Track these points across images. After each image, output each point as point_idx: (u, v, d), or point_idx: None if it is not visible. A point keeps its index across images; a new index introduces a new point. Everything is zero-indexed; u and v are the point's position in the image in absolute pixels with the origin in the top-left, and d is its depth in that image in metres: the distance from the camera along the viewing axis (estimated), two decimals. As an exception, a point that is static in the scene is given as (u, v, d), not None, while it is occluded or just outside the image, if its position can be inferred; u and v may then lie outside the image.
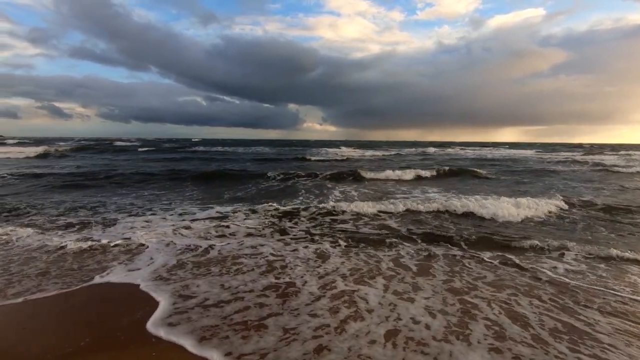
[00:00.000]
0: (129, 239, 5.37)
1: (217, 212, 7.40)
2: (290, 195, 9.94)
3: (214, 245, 5.15)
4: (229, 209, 7.70)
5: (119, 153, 30.63)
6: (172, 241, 5.29)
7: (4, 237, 5.45)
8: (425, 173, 15.87)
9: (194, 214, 7.30)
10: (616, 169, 19.64)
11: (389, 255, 4.83)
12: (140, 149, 35.48)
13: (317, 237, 5.73)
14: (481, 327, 2.95)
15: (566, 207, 8.63)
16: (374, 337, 2.76)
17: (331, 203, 8.28)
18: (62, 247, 4.97)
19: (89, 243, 5.11)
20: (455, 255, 4.89)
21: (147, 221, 6.57)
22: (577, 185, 12.95)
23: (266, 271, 4.19)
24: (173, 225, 6.27)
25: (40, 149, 29.58)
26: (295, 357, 2.50)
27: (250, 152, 36.99)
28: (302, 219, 7.08)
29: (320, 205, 8.07)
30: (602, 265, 4.63)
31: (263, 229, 6.15)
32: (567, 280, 4.09)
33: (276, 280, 3.91)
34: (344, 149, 45.99)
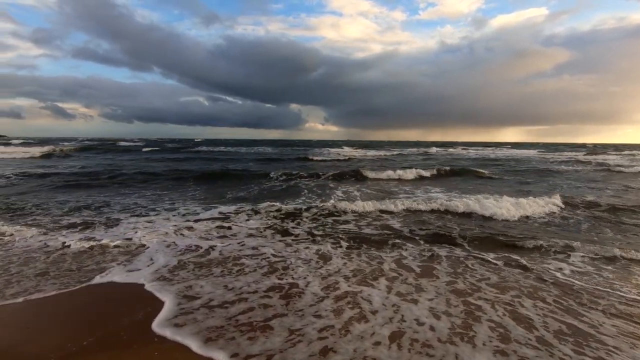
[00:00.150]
0: (131, 239, 5.39)
1: (219, 212, 7.42)
2: (292, 196, 9.96)
3: (217, 246, 5.17)
4: (231, 209, 7.72)
5: (122, 153, 30.75)
6: (173, 242, 5.31)
7: (8, 236, 5.49)
8: (428, 173, 15.85)
9: (197, 214, 7.33)
10: (620, 169, 19.55)
11: (391, 257, 4.83)
12: (144, 149, 35.61)
13: (319, 238, 5.73)
14: (485, 329, 2.95)
15: (570, 207, 8.61)
16: (379, 338, 2.76)
17: (333, 203, 8.29)
18: (65, 247, 5.01)
19: (92, 243, 5.15)
20: (458, 256, 4.88)
21: (150, 221, 6.60)
22: (580, 186, 12.91)
23: (269, 272, 4.20)
24: (176, 225, 6.29)
25: (45, 149, 29.77)
26: (301, 359, 2.51)
27: (252, 152, 37.05)
28: (304, 219, 7.09)
29: (323, 206, 8.07)
30: (607, 266, 4.62)
31: (265, 230, 6.16)
32: (571, 281, 4.08)
33: (279, 281, 3.91)
34: (346, 149, 45.99)
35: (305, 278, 4.01)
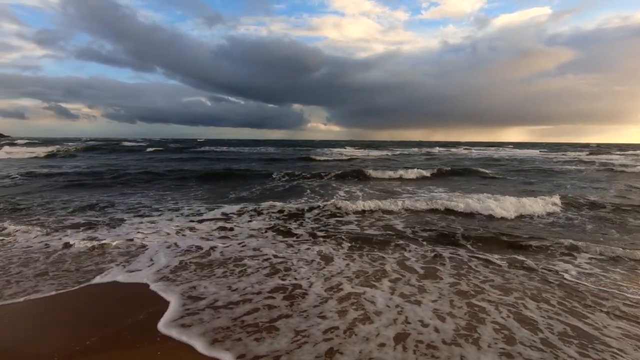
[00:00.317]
0: (134, 240, 5.42)
1: (222, 213, 7.44)
2: (295, 196, 9.98)
3: (219, 246, 5.19)
4: (234, 209, 7.74)
5: (127, 153, 30.89)
6: (175, 242, 5.32)
7: (12, 236, 5.56)
8: (431, 173, 15.83)
9: (201, 214, 7.36)
10: (623, 168, 19.45)
11: (394, 258, 4.83)
12: (148, 150, 35.76)
13: (322, 239, 5.74)
14: (490, 331, 2.95)
15: (574, 207, 8.59)
16: (384, 340, 2.78)
17: (336, 203, 8.30)
18: (68, 247, 5.05)
19: (95, 243, 5.18)
20: (462, 257, 4.88)
21: (153, 222, 6.63)
22: (585, 186, 12.85)
23: (272, 273, 4.21)
24: (179, 226, 6.32)
25: (49, 149, 29.97)
26: (308, 361, 2.53)
27: (255, 152, 37.12)
28: (306, 219, 7.11)
29: (325, 206, 8.09)
30: (612, 267, 4.61)
31: (268, 230, 6.18)
32: (576, 282, 4.07)
33: (282, 282, 3.93)
34: (348, 148, 45.98)
35: (308, 279, 4.03)
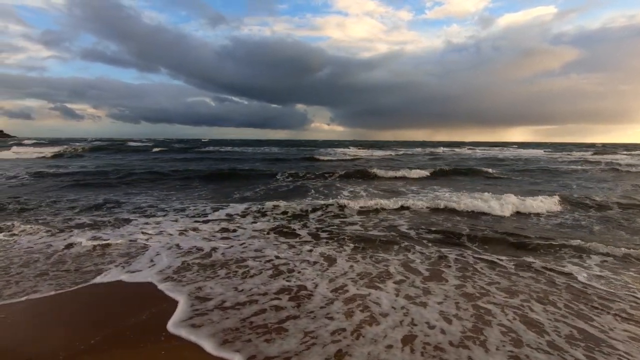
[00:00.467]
0: (137, 240, 5.49)
1: (227, 214, 7.50)
2: (299, 196, 10.02)
3: (222, 247, 5.23)
4: (238, 210, 7.81)
5: (132, 153, 31.14)
6: (178, 243, 5.36)
7: (19, 235, 5.66)
8: (435, 173, 15.81)
9: (206, 215, 7.42)
10: (629, 168, 19.29)
11: (399, 259, 4.84)
12: (153, 150, 36.01)
13: (326, 239, 5.77)
14: (497, 333, 2.97)
15: (581, 207, 8.56)
16: (391, 341, 2.80)
17: (339, 204, 8.34)
18: (74, 246, 5.13)
19: (100, 242, 5.26)
20: (467, 258, 4.88)
21: (158, 222, 6.69)
22: (591, 186, 12.78)
23: (276, 274, 4.24)
24: (184, 226, 6.37)
25: (56, 149, 30.30)
26: (318, 362, 2.56)
27: (259, 152, 37.24)
28: (310, 220, 7.14)
29: (329, 207, 8.12)
30: (621, 268, 4.60)
31: (272, 231, 6.21)
32: (583, 283, 4.07)
33: (287, 283, 3.95)
34: (352, 149, 45.97)
35: (313, 280, 4.05)
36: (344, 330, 2.96)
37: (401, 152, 38.46)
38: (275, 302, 3.47)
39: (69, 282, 3.93)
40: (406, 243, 5.57)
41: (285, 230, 6.30)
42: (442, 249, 5.29)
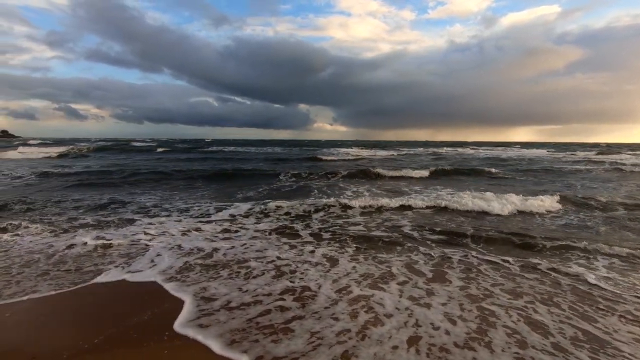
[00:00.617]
0: (140, 240, 5.52)
1: (230, 214, 7.55)
2: (302, 196, 10.03)
3: (226, 247, 5.25)
4: (242, 210, 7.86)
5: (137, 153, 31.33)
6: (180, 244, 5.38)
7: (23, 235, 5.73)
8: (438, 173, 15.79)
9: (209, 215, 7.46)
10: (633, 168, 19.17)
11: (402, 259, 4.85)
12: (158, 150, 36.20)
13: (329, 240, 5.79)
14: (502, 334, 2.98)
15: (586, 208, 8.53)
16: (396, 342, 2.82)
17: (343, 204, 8.36)
18: (79, 246, 5.19)
19: (103, 242, 5.31)
20: (470, 259, 4.88)
21: (161, 222, 6.74)
22: (596, 186, 12.73)
23: (280, 274, 4.26)
24: (187, 227, 6.41)
25: (62, 149, 30.55)
26: (325, 362, 2.58)
27: (262, 152, 37.34)
28: (313, 220, 7.16)
29: (332, 207, 8.15)
30: (627, 269, 4.59)
31: (275, 231, 6.24)
32: (589, 284, 4.06)
33: (291, 284, 3.97)
34: (355, 149, 45.98)
35: (316, 281, 4.06)
36: (349, 331, 2.98)
37: (404, 152, 38.41)
38: (280, 303, 3.49)
39: (72, 282, 3.98)
40: (409, 244, 5.58)
41: (288, 230, 6.33)
42: (446, 250, 5.29)
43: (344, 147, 54.06)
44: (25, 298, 3.58)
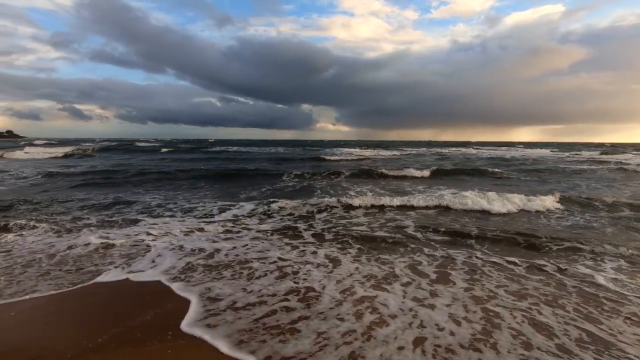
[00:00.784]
0: (144, 240, 5.57)
1: (233, 214, 7.61)
2: (305, 196, 10.05)
3: (230, 247, 5.28)
4: (245, 210, 7.93)
5: (141, 154, 31.53)
6: (182, 244, 5.42)
7: (25, 235, 5.80)
8: (442, 173, 15.77)
9: (212, 215, 7.51)
10: (637, 168, 19.04)
11: (405, 260, 4.85)
12: (162, 150, 36.40)
13: (332, 240, 5.80)
14: (507, 336, 2.99)
15: (592, 208, 8.49)
16: (402, 343, 2.84)
17: (346, 204, 8.38)
18: (82, 246, 5.25)
19: (107, 242, 5.37)
20: (474, 260, 4.87)
21: (165, 222, 6.79)
22: (601, 186, 12.66)
23: (284, 275, 4.28)
24: (190, 227, 6.45)
25: (67, 150, 30.82)
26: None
27: (265, 152, 37.43)
28: (316, 220, 7.19)
29: (335, 207, 8.17)
30: (631, 270, 4.57)
31: (279, 231, 6.28)
32: (594, 284, 4.06)
33: (295, 285, 3.99)
34: (357, 149, 45.95)
35: (320, 281, 4.08)
36: (354, 331, 3.00)
37: (407, 152, 38.34)
38: (285, 303, 3.51)
39: (78, 281, 4.03)
40: (413, 245, 5.58)
41: (291, 231, 6.35)
42: (450, 251, 5.29)
43: (347, 147, 54.05)
44: (28, 297, 3.62)
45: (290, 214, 7.70)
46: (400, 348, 2.77)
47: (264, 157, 28.92)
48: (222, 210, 7.92)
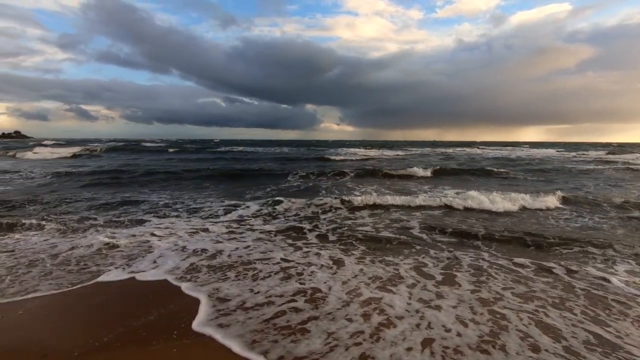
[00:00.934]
0: (149, 241, 5.63)
1: (238, 215, 7.68)
2: (310, 196, 10.08)
3: (235, 248, 5.34)
4: (250, 210, 8.03)
5: (148, 154, 31.79)
6: (186, 245, 5.47)
7: (33, 234, 5.92)
8: (447, 173, 15.73)
9: (218, 216, 7.59)
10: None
11: (411, 261, 4.87)
12: (169, 150, 36.68)
13: (337, 241, 5.84)
14: (515, 337, 3.01)
15: (600, 209, 8.43)
16: (411, 344, 2.87)
17: (351, 204, 8.40)
18: (87, 245, 5.33)
19: (113, 241, 5.45)
20: (480, 261, 4.87)
21: (171, 222, 6.87)
22: (609, 187, 12.54)
23: (289, 276, 4.31)
24: (196, 227, 6.52)
25: (75, 150, 31.19)
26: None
27: (270, 152, 37.54)
28: (321, 220, 7.23)
29: (340, 207, 8.20)
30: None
31: (284, 232, 6.32)
32: (602, 286, 4.05)
33: (301, 285, 4.01)
34: (362, 149, 45.89)
35: (326, 282, 4.10)
36: (362, 332, 3.04)
37: (411, 152, 38.22)
38: (293, 304, 3.55)
39: (83, 279, 4.11)
40: (418, 244, 5.60)
41: (298, 230, 6.40)
42: (456, 252, 5.29)
43: (352, 147, 54.01)
44: (35, 296, 3.68)
45: (295, 215, 7.75)
46: (409, 349, 2.81)
47: (269, 157, 29.02)
48: (227, 211, 7.99)
